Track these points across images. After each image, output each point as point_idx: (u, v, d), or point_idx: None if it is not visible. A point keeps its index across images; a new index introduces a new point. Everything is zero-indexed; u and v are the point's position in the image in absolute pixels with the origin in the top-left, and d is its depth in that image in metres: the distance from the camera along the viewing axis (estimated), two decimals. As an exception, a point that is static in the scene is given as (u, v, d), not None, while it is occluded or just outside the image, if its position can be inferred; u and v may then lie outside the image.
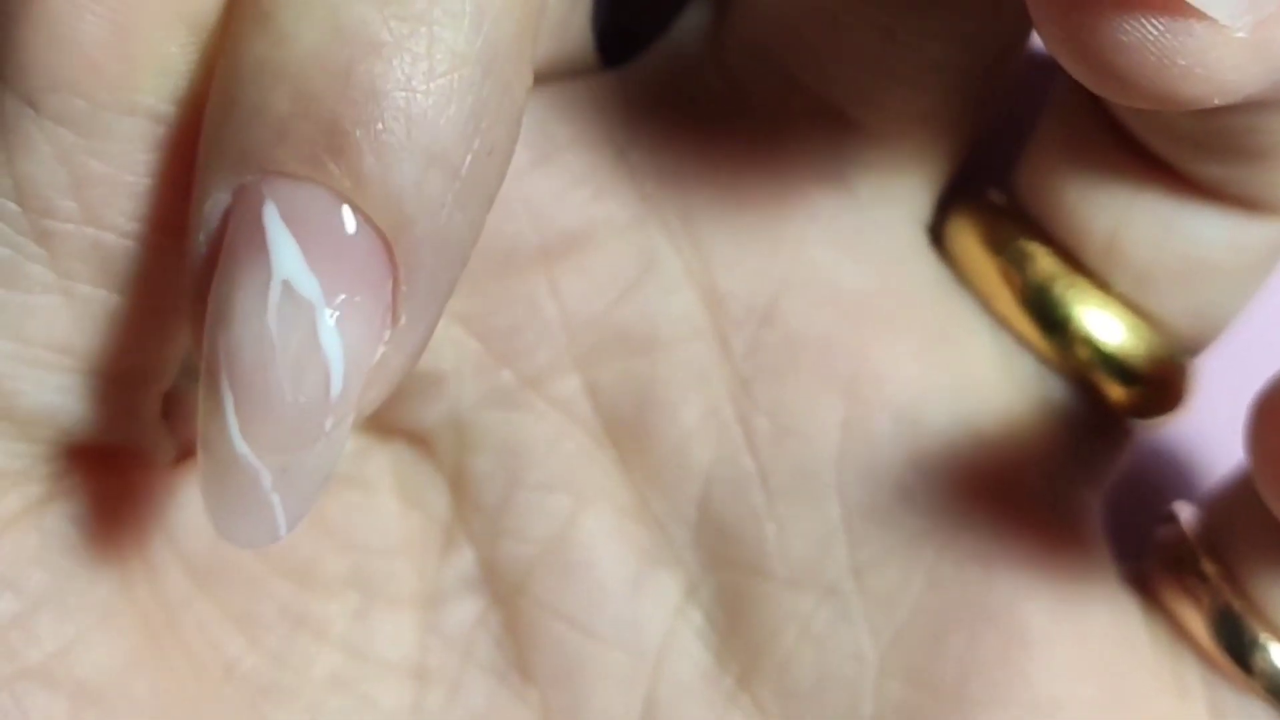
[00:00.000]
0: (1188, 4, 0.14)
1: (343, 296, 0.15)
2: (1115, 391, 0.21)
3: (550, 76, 0.20)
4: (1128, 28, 0.14)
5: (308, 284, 0.15)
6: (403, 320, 0.16)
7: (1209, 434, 0.23)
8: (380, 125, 0.15)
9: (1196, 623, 0.20)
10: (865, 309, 0.20)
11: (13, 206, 0.16)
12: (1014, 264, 0.20)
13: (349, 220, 0.15)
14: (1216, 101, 0.15)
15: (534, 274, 0.20)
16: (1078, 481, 0.21)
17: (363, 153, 0.15)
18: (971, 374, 0.21)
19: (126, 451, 0.19)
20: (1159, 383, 0.21)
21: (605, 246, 0.20)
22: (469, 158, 0.15)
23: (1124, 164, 0.20)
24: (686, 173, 0.21)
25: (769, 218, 0.20)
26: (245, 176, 0.15)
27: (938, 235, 0.21)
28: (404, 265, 0.15)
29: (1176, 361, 0.21)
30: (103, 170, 0.16)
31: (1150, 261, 0.20)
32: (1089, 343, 0.20)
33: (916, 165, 0.21)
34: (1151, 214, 0.20)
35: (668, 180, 0.21)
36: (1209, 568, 0.20)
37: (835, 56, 0.20)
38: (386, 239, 0.15)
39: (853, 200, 0.21)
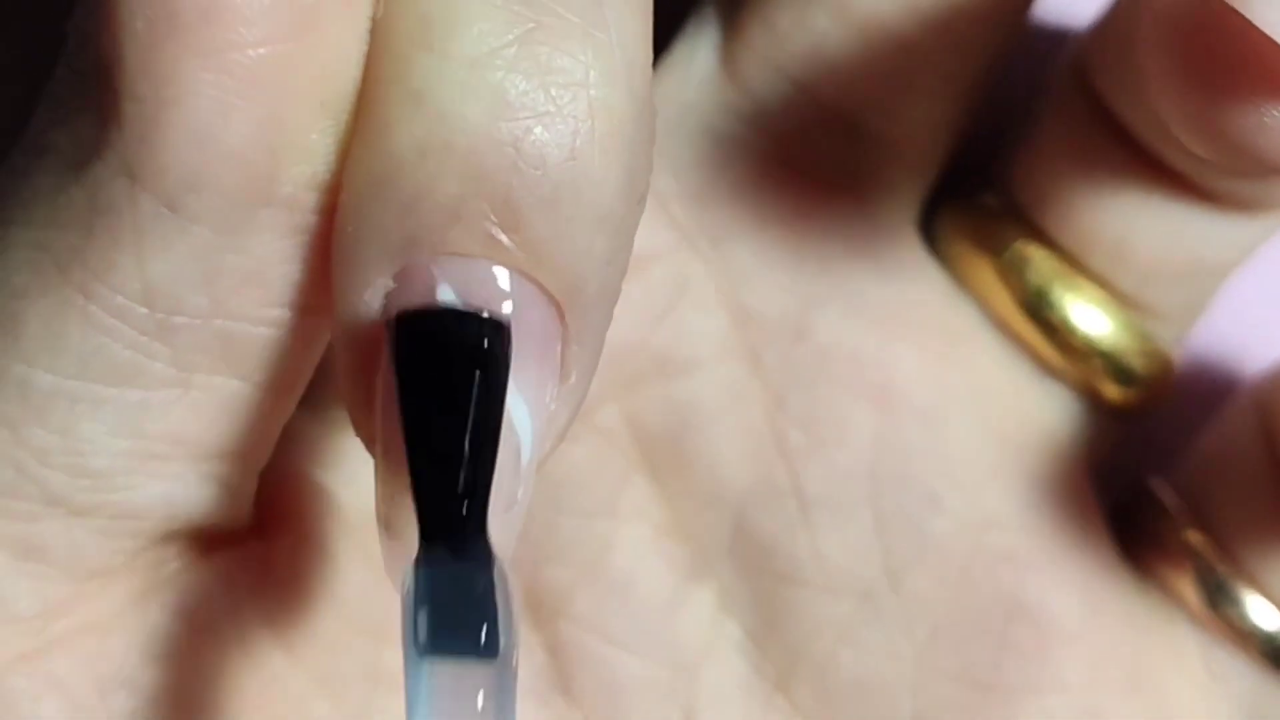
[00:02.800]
0: None
1: (524, 368, 0.15)
2: (1112, 390, 0.21)
3: None
4: (1276, 113, 0.15)
5: None
6: (572, 378, 0.16)
7: (1180, 410, 0.24)
8: (553, 195, 0.15)
9: (1188, 590, 0.22)
10: (888, 318, 0.21)
11: (140, 310, 0.16)
12: (1012, 266, 0.21)
13: (523, 292, 0.15)
14: None
15: None
16: (1084, 473, 0.22)
17: (537, 224, 0.15)
18: (984, 377, 0.21)
19: (223, 532, 0.18)
20: (1153, 378, 0.22)
21: (641, 275, 0.21)
22: (630, 211, 0.15)
23: (1131, 167, 0.20)
24: (712, 193, 0.21)
25: (793, 234, 0.21)
26: (412, 260, 0.15)
27: (927, 234, 0.22)
28: (574, 326, 0.15)
29: (1166, 355, 0.22)
30: (237, 262, 0.16)
31: (1157, 263, 0.21)
32: (1087, 344, 0.21)
33: (918, 171, 0.21)
34: (1159, 217, 0.20)
35: (693, 203, 0.21)
36: (1193, 537, 0.21)
37: (856, 70, 0.20)
38: (559, 303, 0.15)
39: (866, 209, 0.21)
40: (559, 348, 0.15)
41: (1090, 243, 0.21)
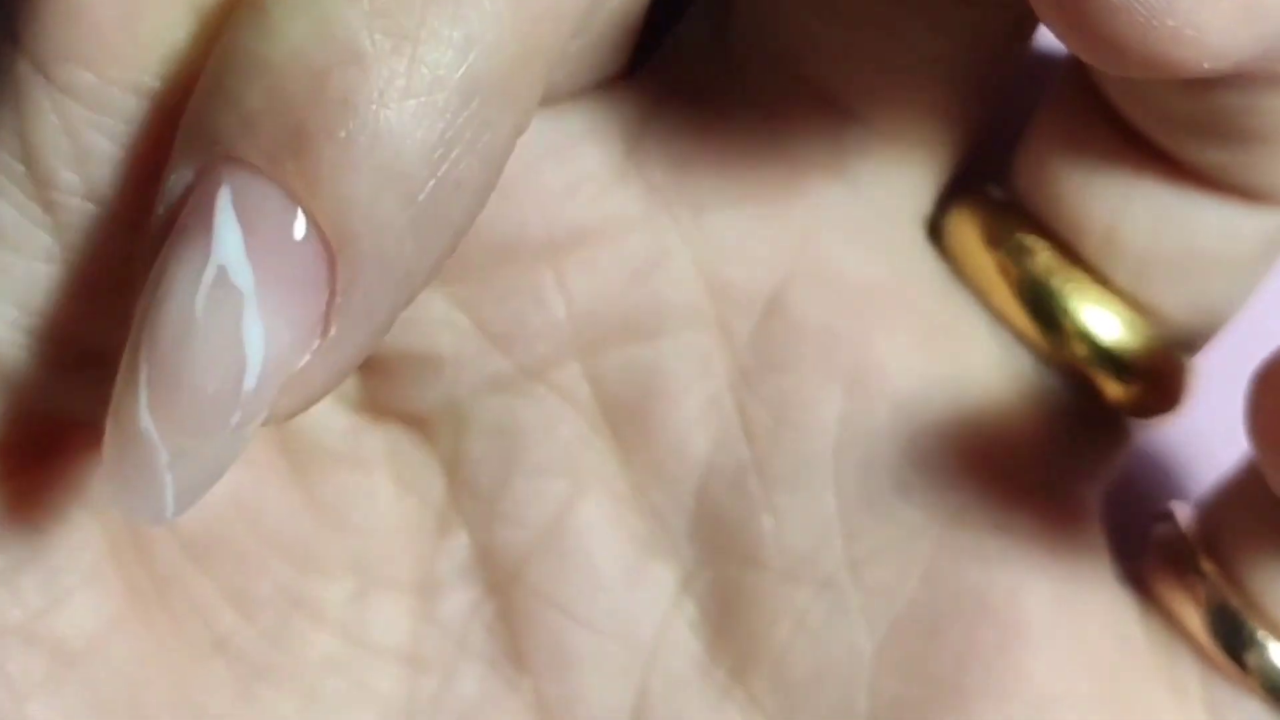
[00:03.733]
0: None
1: (275, 295, 0.15)
2: (1111, 387, 0.21)
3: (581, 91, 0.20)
4: None
5: (242, 273, 0.15)
6: (333, 333, 0.16)
7: (1207, 433, 0.23)
8: (344, 134, 0.15)
9: (1194, 620, 0.20)
10: (868, 301, 0.21)
11: (21, 169, 0.16)
12: (1012, 258, 0.20)
13: (299, 224, 0.15)
14: (1206, 66, 0.15)
15: (541, 266, 0.20)
16: (1076, 477, 0.21)
17: (321, 159, 0.15)
18: (971, 368, 0.21)
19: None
20: (1155, 379, 0.21)
21: (614, 239, 0.21)
22: (431, 184, 0.15)
23: (1121, 153, 0.20)
24: (695, 165, 0.21)
25: (775, 209, 0.20)
26: (209, 158, 0.15)
27: (935, 230, 0.21)
28: (343, 279, 0.15)
29: (1174, 358, 0.21)
30: (107, 146, 0.16)
31: (1148, 252, 0.20)
32: (1085, 338, 0.20)
33: (917, 159, 0.21)
34: (1149, 203, 0.20)
35: (677, 172, 0.21)
36: (1207, 566, 0.20)
37: (838, 50, 0.20)
38: (331, 249, 0.15)
39: (856, 192, 0.21)
40: (324, 297, 0.15)
41: (1082, 229, 0.20)
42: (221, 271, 0.15)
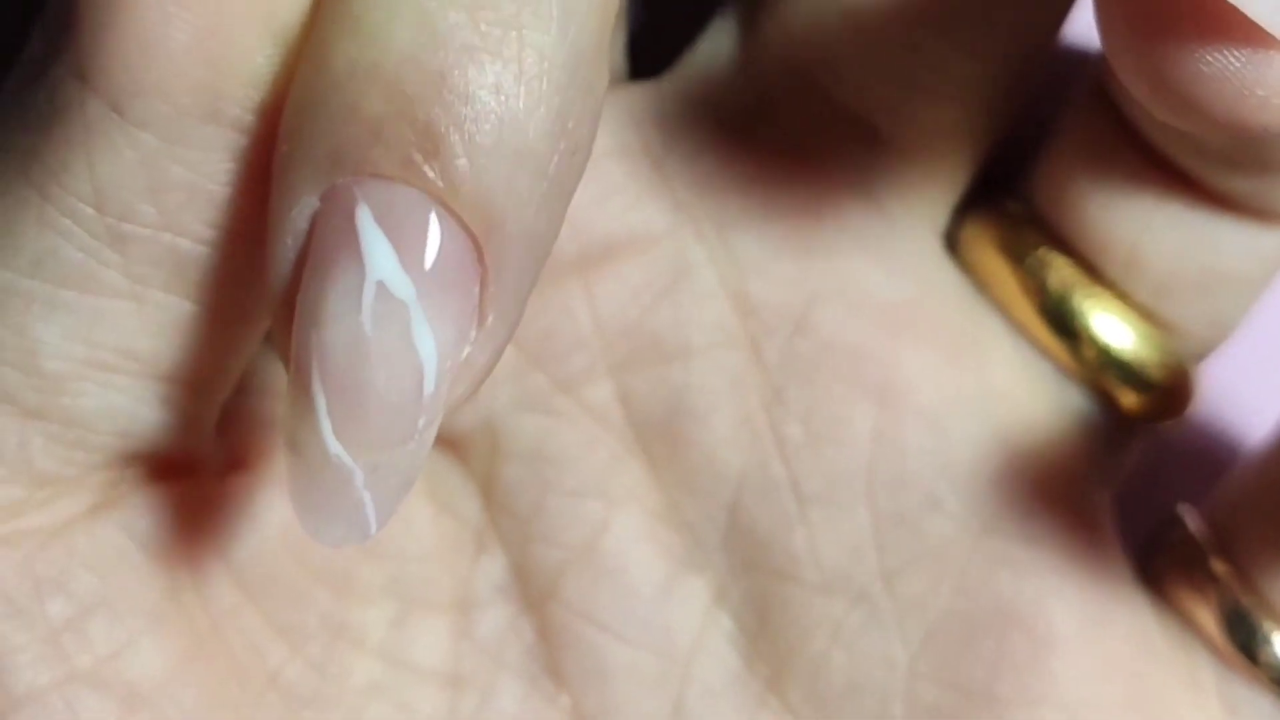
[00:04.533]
0: (1271, 37, 0.15)
1: (435, 296, 0.15)
2: (1128, 398, 0.21)
3: None
4: (1210, 59, 0.15)
5: (402, 285, 0.15)
6: (490, 320, 0.16)
7: (1209, 432, 0.24)
8: (473, 127, 0.15)
9: (1208, 620, 0.21)
10: (895, 317, 0.21)
11: (89, 211, 0.16)
12: (1033, 273, 0.21)
13: (445, 223, 0.15)
14: None
15: (570, 281, 0.21)
16: (1095, 484, 0.21)
17: (456, 154, 0.15)
18: (995, 381, 0.21)
19: (180, 462, 0.19)
20: (1169, 389, 0.21)
21: (641, 255, 0.21)
22: (556, 158, 0.15)
23: (1146, 175, 0.20)
24: (720, 182, 0.21)
25: (800, 227, 0.21)
26: (336, 179, 0.15)
27: (953, 242, 0.22)
28: (492, 265, 0.16)
29: (1185, 367, 0.21)
30: (183, 176, 0.16)
31: (1171, 272, 0.20)
32: (1105, 351, 0.21)
33: (939, 175, 0.21)
34: (1172, 224, 0.20)
35: (702, 189, 0.21)
36: (1218, 567, 0.21)
37: (865, 71, 0.20)
38: (477, 239, 0.15)
39: (879, 210, 0.21)
40: (476, 287, 0.16)
41: (1105, 249, 0.21)
42: (381, 287, 0.15)
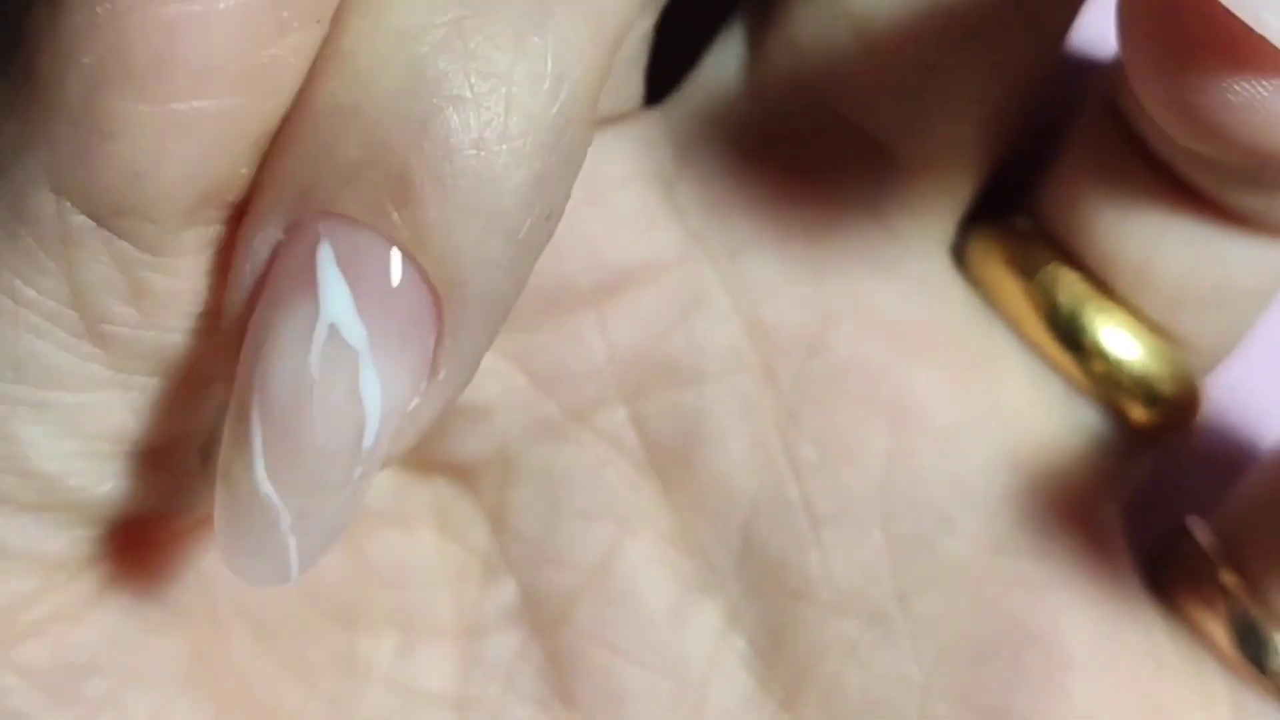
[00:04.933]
0: None
1: (387, 347, 0.15)
2: (1138, 412, 0.21)
3: (603, 122, 0.20)
4: (1238, 89, 0.15)
5: (355, 331, 0.15)
6: (441, 374, 0.15)
7: (1217, 443, 0.24)
8: (449, 181, 0.15)
9: (1218, 632, 0.21)
10: (907, 337, 0.21)
11: (70, 313, 0.16)
12: (1043, 288, 0.21)
13: (406, 274, 0.15)
14: None
15: (583, 310, 0.20)
16: (1106, 499, 0.21)
17: (428, 205, 0.15)
18: (1007, 399, 0.21)
19: (183, 518, 0.18)
20: (1180, 402, 0.21)
21: (654, 282, 0.21)
22: (529, 221, 0.15)
23: (1157, 190, 0.20)
24: (731, 207, 0.21)
25: (812, 249, 0.21)
26: (302, 213, 0.15)
27: (959, 257, 0.22)
28: (450, 322, 0.15)
29: (1194, 381, 0.21)
30: (164, 281, 0.16)
31: (1182, 287, 0.20)
32: (1116, 365, 0.21)
33: (948, 192, 0.21)
34: (1184, 241, 0.20)
35: (713, 215, 0.21)
36: (1227, 578, 0.21)
37: (875, 89, 0.20)
38: (438, 294, 0.15)
39: (889, 229, 0.21)
40: (431, 340, 0.15)
41: (1115, 265, 0.20)
42: (333, 330, 0.15)
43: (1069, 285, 0.21)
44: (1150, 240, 0.20)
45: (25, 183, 0.15)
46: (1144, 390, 0.21)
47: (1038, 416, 0.21)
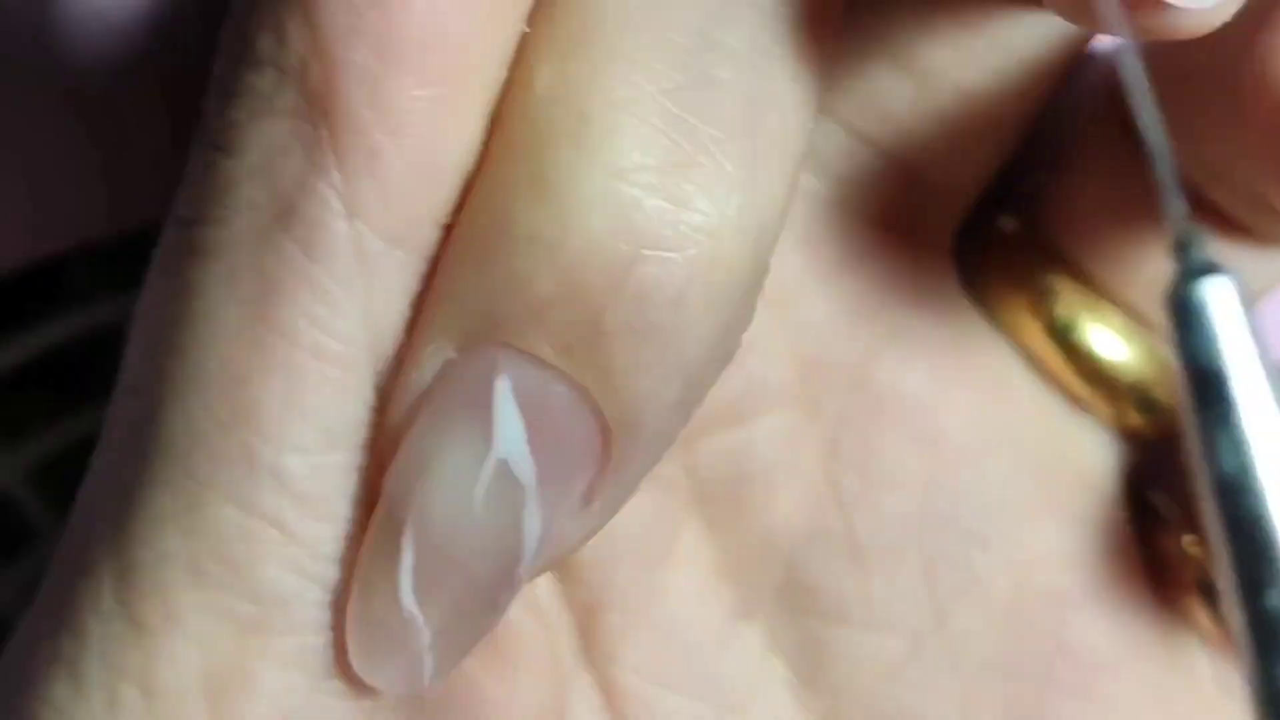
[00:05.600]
0: None
1: (554, 483, 0.15)
2: (1135, 419, 0.22)
3: None
4: None
5: (525, 468, 0.15)
6: (595, 505, 0.15)
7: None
8: (644, 332, 0.14)
9: (1194, 605, 0.21)
10: (940, 362, 0.21)
11: (364, 358, 0.15)
12: (1041, 299, 0.21)
13: (585, 415, 0.15)
14: None
15: None
16: (1121, 509, 0.22)
17: (618, 353, 0.14)
18: (1026, 414, 0.22)
19: None
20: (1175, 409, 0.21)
21: None
22: (711, 369, 0.15)
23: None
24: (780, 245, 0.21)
25: (854, 281, 0.21)
26: (483, 339, 0.15)
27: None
28: (617, 458, 0.15)
29: None
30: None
31: None
32: (1114, 375, 0.21)
33: (956, 208, 0.21)
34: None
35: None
36: (1193, 549, 0.21)
37: (909, 115, 0.20)
38: (609, 430, 0.15)
39: (916, 253, 0.21)
40: (593, 472, 0.15)
41: (1132, 279, 0.21)
42: (503, 465, 0.15)
43: (1066, 295, 0.21)
44: (1161, 252, 0.20)
45: (316, 216, 0.15)
46: (1139, 396, 0.22)
47: (1050, 430, 0.22)
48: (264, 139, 0.15)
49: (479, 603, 0.15)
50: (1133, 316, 0.21)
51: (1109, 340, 0.21)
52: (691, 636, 0.21)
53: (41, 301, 0.27)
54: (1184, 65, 0.19)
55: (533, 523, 0.15)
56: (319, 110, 0.14)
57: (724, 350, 0.15)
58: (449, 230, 0.15)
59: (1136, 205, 0.21)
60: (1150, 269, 0.21)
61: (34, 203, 0.25)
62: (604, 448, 0.15)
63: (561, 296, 0.14)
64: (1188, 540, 0.22)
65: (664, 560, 0.21)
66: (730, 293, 0.15)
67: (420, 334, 0.15)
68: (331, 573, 0.16)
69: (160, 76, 0.25)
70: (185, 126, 0.24)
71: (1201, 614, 0.22)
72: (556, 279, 0.14)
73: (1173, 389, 0.21)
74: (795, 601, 0.21)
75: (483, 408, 0.15)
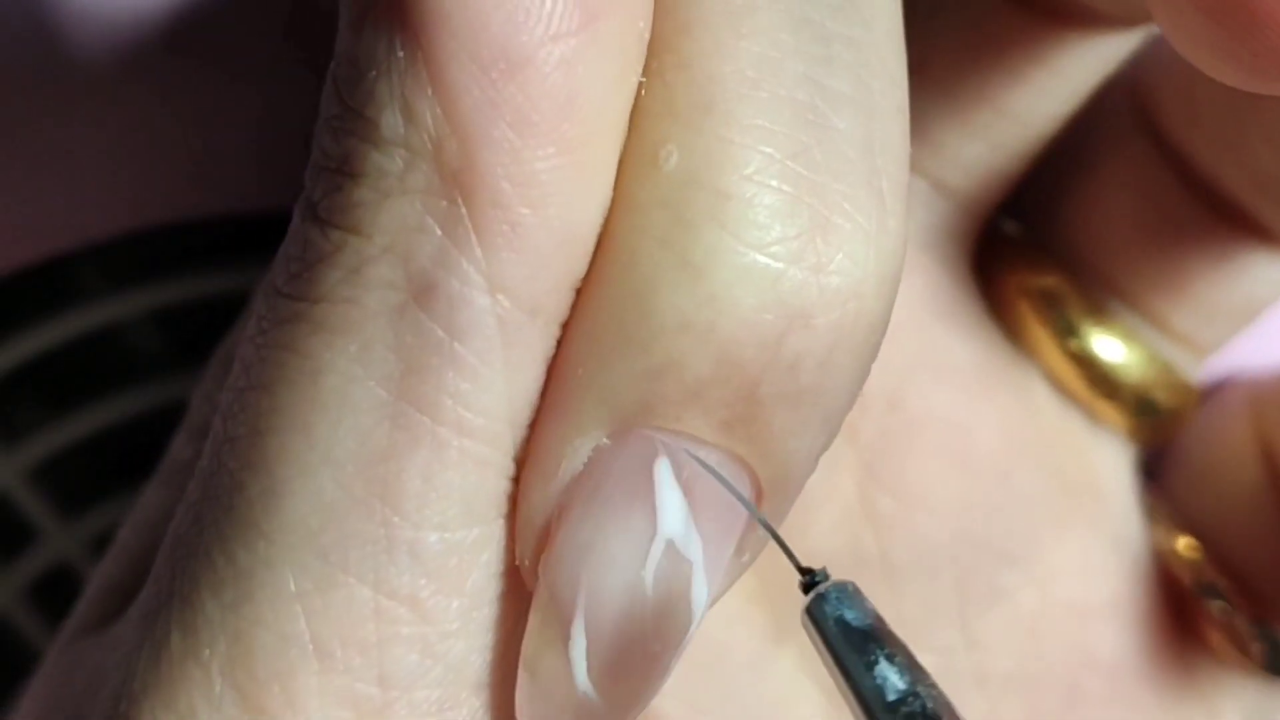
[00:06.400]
0: None
1: (717, 553, 0.15)
2: (1135, 421, 0.22)
3: None
4: None
5: (691, 545, 0.15)
6: (745, 556, 0.16)
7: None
8: (797, 397, 0.14)
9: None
10: (969, 379, 0.21)
11: (506, 434, 0.15)
12: (1048, 306, 0.22)
13: (745, 486, 0.15)
14: None
15: None
16: (1138, 517, 0.22)
17: (773, 424, 0.14)
18: (1047, 426, 0.22)
19: None
20: (1177, 412, 0.22)
21: None
22: (846, 413, 0.15)
23: (1199, 216, 0.20)
24: None
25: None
26: (638, 425, 0.15)
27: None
28: (770, 512, 0.15)
29: (1193, 389, 0.22)
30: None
31: (1215, 303, 0.21)
32: (1116, 377, 0.22)
33: (976, 219, 0.22)
34: (1223, 262, 0.21)
35: None
36: (1186, 546, 0.22)
37: (945, 133, 0.20)
38: (763, 492, 0.15)
39: (944, 267, 0.21)
40: (746, 529, 0.15)
41: (1155, 286, 0.21)
42: (670, 545, 0.15)
43: (1067, 298, 0.21)
44: (1193, 263, 0.21)
45: (454, 291, 0.14)
46: (1143, 402, 0.22)
47: (1069, 441, 0.22)
48: (396, 218, 0.15)
49: (655, 675, 0.15)
50: (1147, 318, 0.21)
51: (1111, 344, 0.22)
52: (726, 660, 0.21)
53: (41, 301, 0.27)
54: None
55: (700, 591, 0.15)
56: (457, 186, 0.14)
57: (860, 391, 0.15)
58: (579, 297, 0.15)
59: (1162, 213, 0.21)
60: (1174, 275, 0.21)
61: (34, 203, 0.25)
62: (755, 499, 0.15)
63: (718, 378, 0.14)
64: (1184, 543, 0.22)
65: None
66: (871, 341, 0.15)
67: (568, 420, 0.15)
68: (454, 650, 0.16)
69: (165, 72, 0.25)
70: (185, 126, 0.24)
71: (1200, 616, 0.22)
72: (712, 361, 0.14)
73: (1176, 394, 0.22)
74: None
75: (644, 492, 0.15)
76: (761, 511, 0.15)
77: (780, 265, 0.14)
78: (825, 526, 0.21)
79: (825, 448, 0.15)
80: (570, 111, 0.14)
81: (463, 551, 0.15)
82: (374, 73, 0.14)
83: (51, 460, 0.28)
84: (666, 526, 0.15)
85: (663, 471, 0.15)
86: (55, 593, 0.28)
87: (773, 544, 0.16)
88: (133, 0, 0.24)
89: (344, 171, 0.15)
